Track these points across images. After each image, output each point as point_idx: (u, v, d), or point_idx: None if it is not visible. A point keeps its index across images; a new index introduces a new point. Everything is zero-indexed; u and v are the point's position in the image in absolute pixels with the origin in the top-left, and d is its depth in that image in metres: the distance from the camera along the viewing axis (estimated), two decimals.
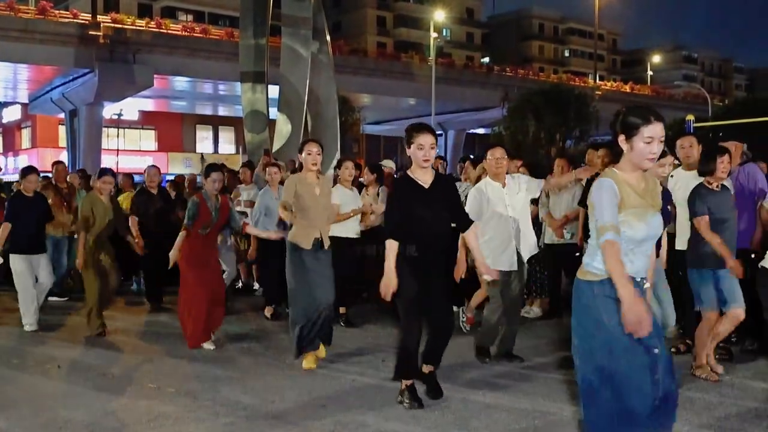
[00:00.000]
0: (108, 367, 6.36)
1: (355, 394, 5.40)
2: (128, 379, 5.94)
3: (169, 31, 33.68)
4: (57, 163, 10.75)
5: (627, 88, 53.05)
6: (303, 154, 6.20)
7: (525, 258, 6.31)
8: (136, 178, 12.80)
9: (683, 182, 6.09)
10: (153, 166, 10.00)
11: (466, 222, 5.14)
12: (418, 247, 4.92)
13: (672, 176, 6.40)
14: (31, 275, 7.99)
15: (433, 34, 41.30)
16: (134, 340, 7.60)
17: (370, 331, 7.74)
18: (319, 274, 6.11)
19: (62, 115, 37.05)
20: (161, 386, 5.65)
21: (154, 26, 33.63)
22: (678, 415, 4.78)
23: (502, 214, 6.11)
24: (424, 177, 4.98)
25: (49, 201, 8.98)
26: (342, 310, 7.93)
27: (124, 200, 10.56)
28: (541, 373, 5.93)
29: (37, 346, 7.31)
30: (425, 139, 4.87)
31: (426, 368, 5.30)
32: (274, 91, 21.79)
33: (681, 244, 5.95)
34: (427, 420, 4.78)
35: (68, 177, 10.76)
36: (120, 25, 32.12)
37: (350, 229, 7.90)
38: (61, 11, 32.17)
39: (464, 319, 7.62)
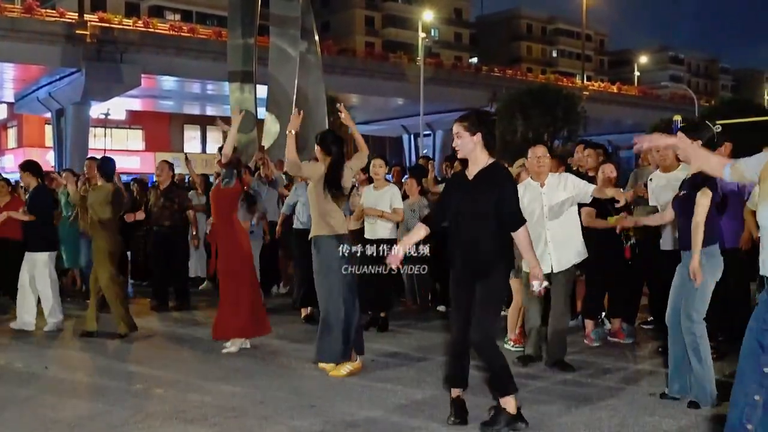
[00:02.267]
0: (96, 368, 6.34)
1: (344, 394, 5.39)
2: (116, 379, 5.91)
3: (157, 31, 33.56)
4: (90, 159, 10.62)
5: (614, 89, 53.28)
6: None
7: (570, 262, 6.00)
8: (124, 177, 12.78)
9: (662, 184, 6.09)
10: (163, 161, 9.97)
11: (512, 222, 4.48)
12: (460, 247, 4.55)
13: (651, 179, 6.43)
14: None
15: (422, 35, 41.33)
16: (123, 339, 7.56)
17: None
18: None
19: (49, 115, 36.82)
20: (150, 387, 5.63)
21: (142, 25, 33.49)
22: (663, 414, 4.82)
23: (535, 214, 5.82)
24: (470, 169, 4.58)
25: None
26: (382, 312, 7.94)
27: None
28: (530, 374, 5.94)
29: (24, 347, 7.27)
30: (455, 128, 4.57)
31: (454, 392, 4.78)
32: (262, 90, 21.74)
33: (665, 244, 5.96)
34: (417, 419, 4.78)
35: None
36: (107, 24, 31.96)
37: (385, 230, 7.80)
38: (48, 10, 31.99)
39: (507, 339, 7.02)
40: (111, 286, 7.57)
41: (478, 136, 4.48)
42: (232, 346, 6.85)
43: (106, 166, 8.00)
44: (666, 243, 6.01)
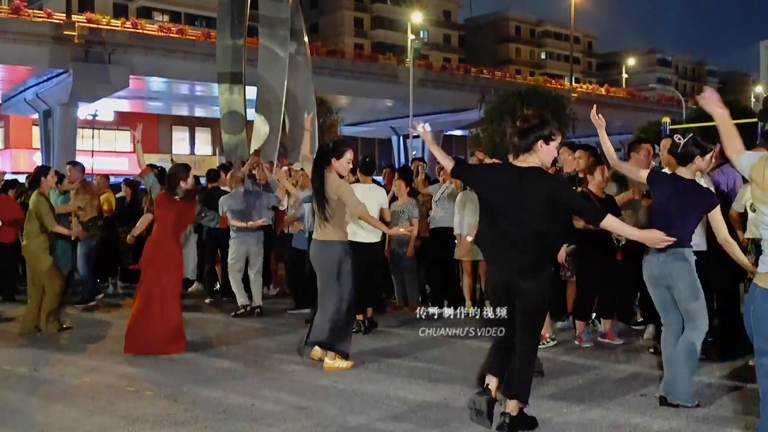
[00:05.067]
0: (85, 371, 6.28)
1: (335, 395, 5.38)
2: (106, 382, 5.87)
3: (145, 32, 33.39)
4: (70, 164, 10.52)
5: (602, 91, 53.41)
6: None
7: None
8: (112, 179, 12.73)
9: None
10: (146, 165, 9.96)
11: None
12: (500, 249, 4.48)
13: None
14: None
15: (411, 36, 41.35)
16: (111, 342, 7.52)
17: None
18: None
19: (36, 116, 36.59)
20: (140, 389, 5.60)
21: (130, 26, 33.31)
22: (654, 415, 4.84)
23: None
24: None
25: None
26: (368, 312, 7.94)
27: (104, 201, 10.68)
28: None
29: (11, 350, 7.21)
30: None
31: (507, 405, 4.54)
32: (251, 91, 21.71)
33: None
34: (408, 421, 4.78)
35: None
36: (95, 25, 31.78)
37: (372, 233, 7.72)
38: (35, 10, 31.75)
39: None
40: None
41: (558, 139, 4.51)
42: None
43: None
44: None
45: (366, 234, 7.64)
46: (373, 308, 8.03)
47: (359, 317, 7.83)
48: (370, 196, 7.54)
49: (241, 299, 8.96)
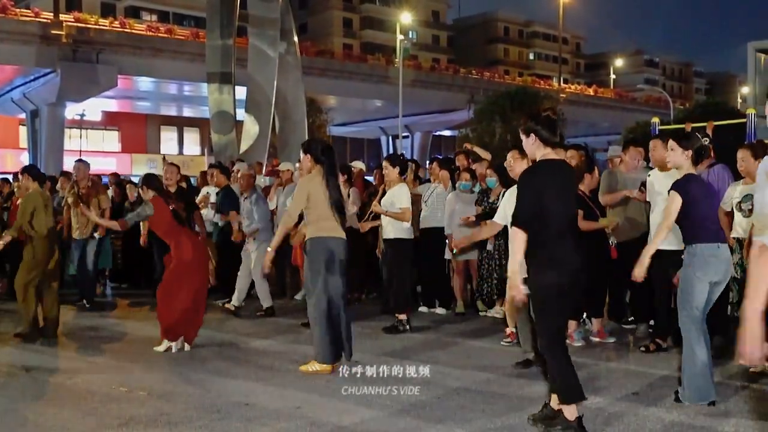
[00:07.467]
0: (78, 371, 6.26)
1: (329, 395, 5.38)
2: (99, 382, 5.84)
3: (134, 31, 33.27)
4: (79, 162, 10.32)
5: (591, 92, 53.60)
6: None
7: None
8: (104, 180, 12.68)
9: (660, 182, 6.15)
10: (171, 164, 9.84)
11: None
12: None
13: (650, 175, 6.51)
14: None
15: (400, 37, 41.38)
16: (104, 342, 7.50)
17: None
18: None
19: (23, 116, 36.35)
20: (133, 389, 5.58)
21: (118, 26, 33.18)
22: (646, 413, 4.86)
23: None
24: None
25: (70, 201, 8.99)
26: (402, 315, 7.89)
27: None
28: (514, 375, 5.96)
29: (3, 349, 7.17)
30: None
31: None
32: (240, 92, 21.69)
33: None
34: (403, 420, 4.78)
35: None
36: (83, 25, 31.63)
37: (403, 230, 7.74)
38: (23, 10, 31.56)
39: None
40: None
41: (532, 137, 4.55)
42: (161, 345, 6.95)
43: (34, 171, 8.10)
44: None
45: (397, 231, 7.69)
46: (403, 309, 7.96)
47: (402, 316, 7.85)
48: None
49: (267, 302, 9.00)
